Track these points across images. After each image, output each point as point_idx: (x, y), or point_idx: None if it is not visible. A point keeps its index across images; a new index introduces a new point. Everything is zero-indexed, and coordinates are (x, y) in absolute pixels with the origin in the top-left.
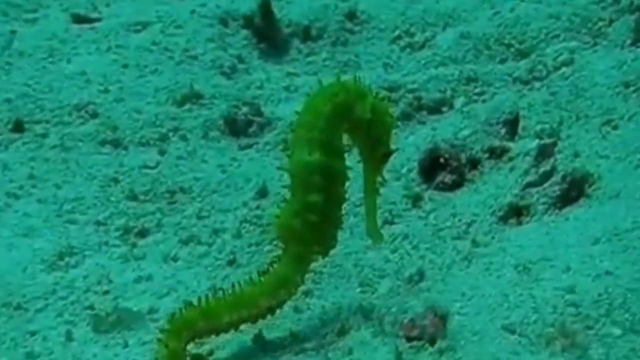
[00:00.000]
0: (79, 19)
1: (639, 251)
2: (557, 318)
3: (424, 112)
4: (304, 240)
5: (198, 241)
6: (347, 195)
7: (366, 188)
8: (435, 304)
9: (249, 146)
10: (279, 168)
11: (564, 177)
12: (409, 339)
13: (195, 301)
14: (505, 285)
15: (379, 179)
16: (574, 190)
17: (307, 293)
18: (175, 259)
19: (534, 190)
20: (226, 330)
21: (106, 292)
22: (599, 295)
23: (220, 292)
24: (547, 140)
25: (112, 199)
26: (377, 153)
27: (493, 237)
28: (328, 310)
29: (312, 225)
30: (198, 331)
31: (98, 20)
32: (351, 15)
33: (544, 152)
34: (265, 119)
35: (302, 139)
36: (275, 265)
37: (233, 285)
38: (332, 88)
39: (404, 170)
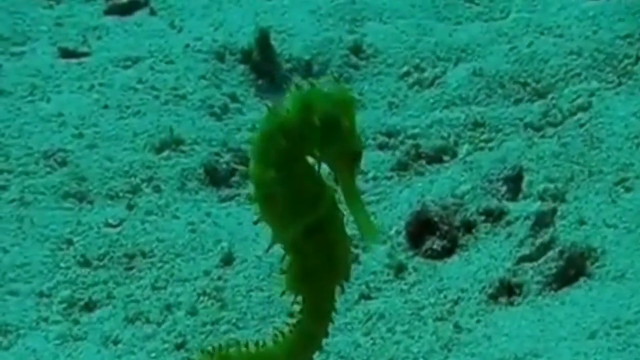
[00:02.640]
0: (67, 54)
1: None
2: None
3: (423, 162)
4: (318, 292)
5: (147, 319)
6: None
7: (347, 197)
8: None
9: (230, 198)
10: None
11: (561, 253)
12: None
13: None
14: None
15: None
16: (573, 269)
17: None
18: (116, 342)
19: (528, 265)
20: None
21: None
22: None
23: (244, 346)
24: (547, 207)
25: (62, 264)
26: (345, 158)
27: (479, 321)
28: None
29: (323, 278)
30: None
31: (87, 54)
32: (357, 49)
33: (542, 221)
34: None
35: (274, 214)
36: (296, 322)
37: (257, 343)
38: (265, 135)
39: (392, 232)
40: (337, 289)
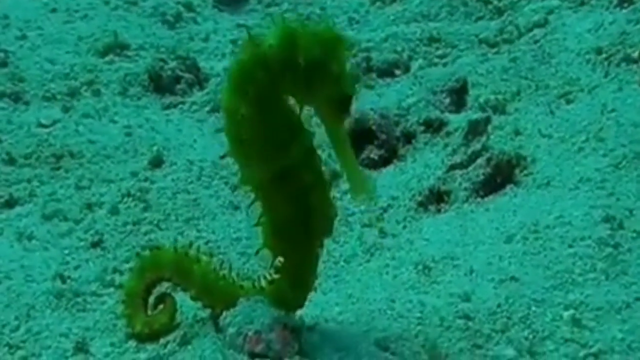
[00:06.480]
0: None
1: (556, 253)
2: (442, 333)
3: (374, 75)
4: (295, 251)
5: (65, 217)
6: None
7: (335, 144)
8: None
9: (174, 105)
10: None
11: (489, 161)
12: (253, 356)
13: (174, 248)
14: (399, 287)
15: (345, 124)
16: (500, 176)
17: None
18: (30, 238)
19: (458, 173)
20: (183, 290)
21: None
22: (498, 306)
23: (216, 265)
24: (479, 116)
25: None
26: (332, 103)
27: (405, 227)
28: None
29: (298, 234)
30: (163, 277)
31: None
32: None
33: (475, 130)
34: (203, 74)
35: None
36: (272, 280)
37: (230, 268)
38: (243, 66)
39: None
40: (318, 250)
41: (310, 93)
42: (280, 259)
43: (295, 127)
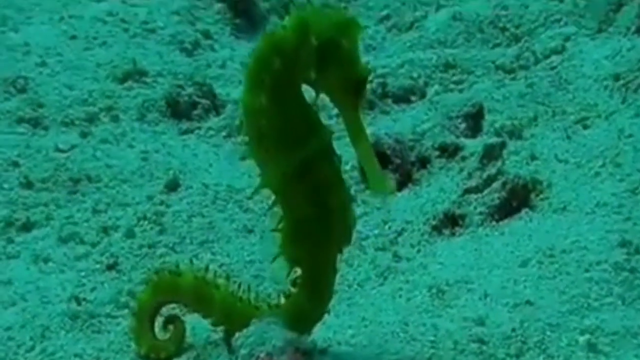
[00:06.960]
0: None
1: (572, 278)
2: (455, 356)
3: (389, 101)
4: (315, 259)
5: (81, 240)
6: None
7: (352, 134)
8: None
9: (190, 131)
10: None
11: (504, 185)
12: None
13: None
14: (412, 310)
15: (362, 114)
16: (515, 200)
17: None
18: (47, 260)
19: (473, 197)
20: (203, 317)
21: None
22: (513, 330)
23: (236, 287)
24: (495, 140)
25: (5, 185)
26: (347, 86)
27: (419, 251)
28: None
29: (318, 239)
30: (177, 300)
31: None
32: None
33: (491, 154)
34: (219, 100)
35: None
36: (292, 292)
37: (249, 289)
38: (259, 57)
39: (347, 167)
40: (336, 261)
41: (324, 75)
42: (297, 270)
43: (312, 122)
